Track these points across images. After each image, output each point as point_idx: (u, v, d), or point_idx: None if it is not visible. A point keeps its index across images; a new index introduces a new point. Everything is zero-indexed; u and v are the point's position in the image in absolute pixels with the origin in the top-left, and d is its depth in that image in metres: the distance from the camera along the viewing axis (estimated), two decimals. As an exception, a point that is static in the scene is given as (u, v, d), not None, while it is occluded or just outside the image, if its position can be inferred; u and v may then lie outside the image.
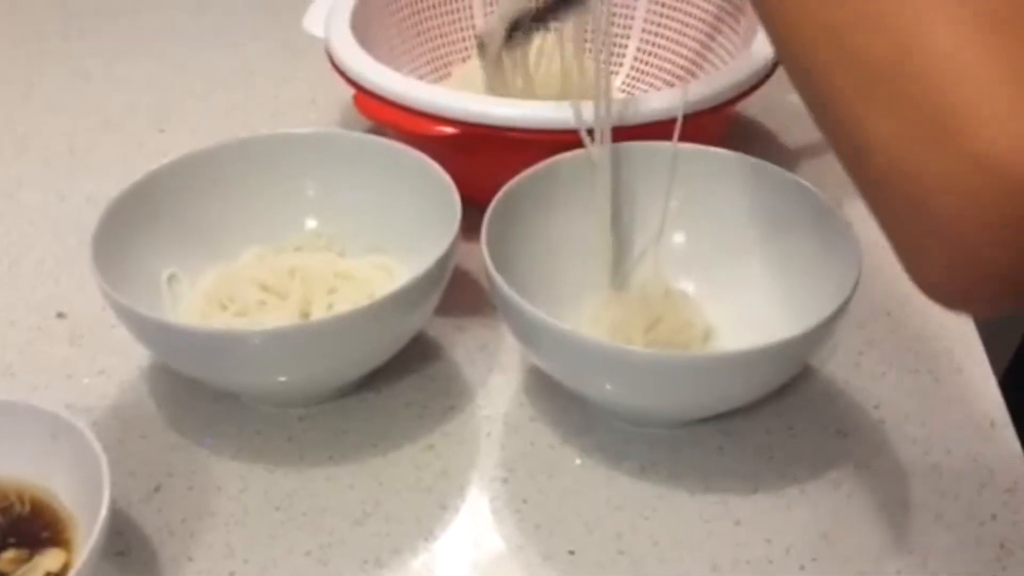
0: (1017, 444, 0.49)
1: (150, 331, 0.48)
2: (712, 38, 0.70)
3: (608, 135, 0.53)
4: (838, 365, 0.54)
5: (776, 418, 0.51)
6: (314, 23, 0.67)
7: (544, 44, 0.66)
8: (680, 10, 0.72)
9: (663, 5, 0.73)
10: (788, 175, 0.54)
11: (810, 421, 0.51)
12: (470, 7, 0.74)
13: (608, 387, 0.47)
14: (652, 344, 0.52)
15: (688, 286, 0.56)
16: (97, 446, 0.42)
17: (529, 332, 0.47)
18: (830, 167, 0.68)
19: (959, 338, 0.55)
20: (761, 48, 0.62)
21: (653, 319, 0.53)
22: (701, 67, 0.70)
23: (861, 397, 0.52)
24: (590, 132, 0.53)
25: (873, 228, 0.63)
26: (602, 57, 0.52)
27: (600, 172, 0.54)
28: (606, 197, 0.55)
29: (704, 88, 0.59)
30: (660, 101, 0.58)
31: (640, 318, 0.53)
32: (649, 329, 0.53)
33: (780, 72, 0.63)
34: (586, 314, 0.54)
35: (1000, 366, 0.67)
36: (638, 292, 0.56)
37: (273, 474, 0.49)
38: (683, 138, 0.55)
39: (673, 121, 0.55)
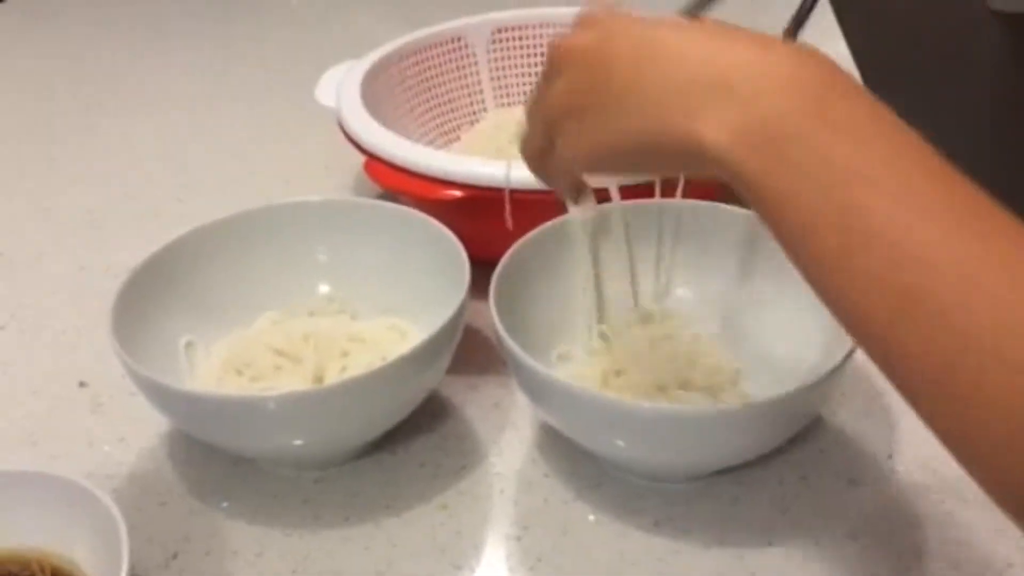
0: (1032, 490, 0.49)
1: (167, 399, 0.49)
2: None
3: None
4: (849, 414, 0.54)
5: (789, 468, 0.51)
6: (325, 93, 0.69)
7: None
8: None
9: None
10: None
11: (823, 471, 0.51)
12: (477, 74, 0.77)
13: (619, 443, 0.48)
14: (682, 390, 0.52)
15: (704, 335, 0.56)
16: (116, 514, 0.42)
17: (538, 390, 0.48)
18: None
19: (970, 384, 0.55)
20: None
21: (678, 366, 0.54)
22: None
23: (873, 446, 0.52)
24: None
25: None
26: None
27: (611, 230, 0.55)
28: (622, 252, 0.56)
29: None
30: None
31: (662, 368, 0.54)
32: (675, 376, 0.53)
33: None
34: (596, 370, 0.55)
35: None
36: (655, 341, 0.56)
37: (289, 537, 0.49)
38: (684, 193, 0.56)
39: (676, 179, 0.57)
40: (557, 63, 0.39)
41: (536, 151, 0.43)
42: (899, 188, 0.32)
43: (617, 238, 0.57)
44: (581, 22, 0.40)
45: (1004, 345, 0.30)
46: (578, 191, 0.49)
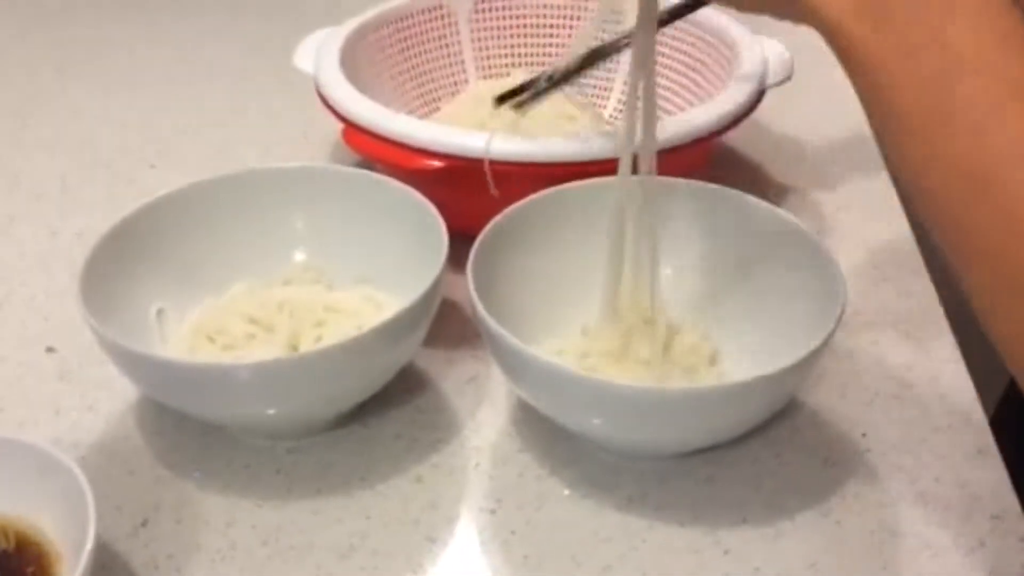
0: (1004, 471, 0.49)
1: (137, 365, 0.48)
2: (697, 71, 0.71)
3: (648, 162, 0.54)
4: (825, 395, 0.54)
5: (764, 448, 0.51)
6: (304, 59, 0.68)
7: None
8: (665, 44, 0.73)
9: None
10: (772, 208, 0.54)
11: (798, 451, 0.51)
12: (459, 44, 0.75)
13: (595, 421, 0.47)
14: (659, 369, 0.52)
15: (681, 314, 0.56)
16: (83, 481, 0.42)
17: (514, 365, 0.48)
18: (814, 199, 0.69)
19: (945, 367, 0.55)
20: (743, 82, 0.63)
21: (657, 344, 0.54)
22: (689, 100, 0.71)
23: (848, 426, 0.52)
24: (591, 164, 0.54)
25: (857, 260, 0.64)
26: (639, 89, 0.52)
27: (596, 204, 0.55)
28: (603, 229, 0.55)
29: (685, 122, 0.60)
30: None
31: (641, 345, 0.53)
32: (654, 353, 0.53)
33: (762, 104, 0.64)
34: (574, 347, 0.54)
35: (993, 396, 0.67)
36: (633, 320, 0.56)
37: (261, 508, 0.48)
38: (667, 170, 0.56)
39: (663, 152, 0.56)
40: None
41: None
42: (995, 74, 0.33)
43: (601, 215, 0.56)
44: None
45: None
46: None
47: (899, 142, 0.36)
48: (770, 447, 0.51)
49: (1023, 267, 0.32)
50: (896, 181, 0.37)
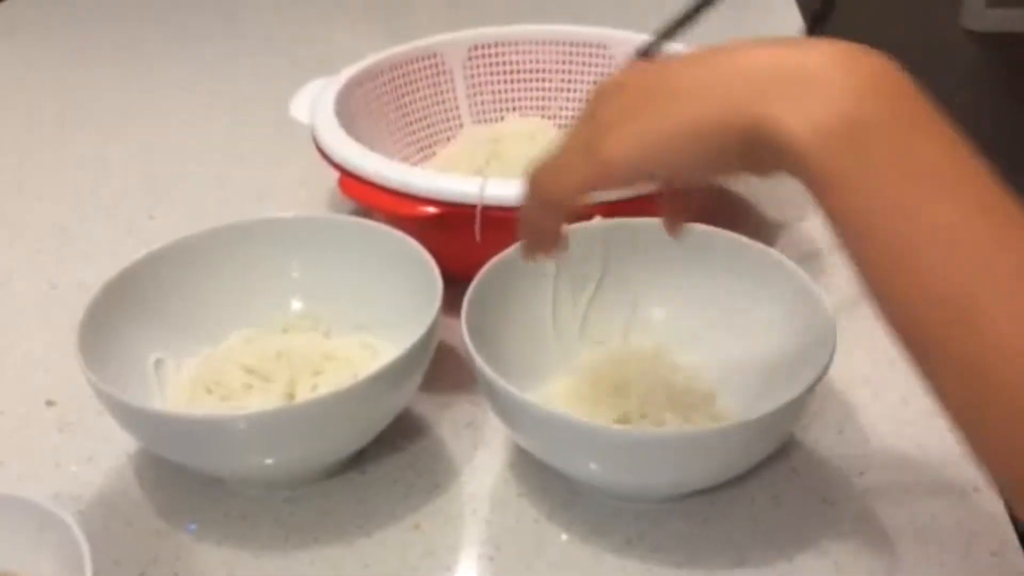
0: (1001, 507, 0.49)
1: (134, 418, 0.48)
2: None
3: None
4: (821, 433, 0.54)
5: (762, 488, 0.51)
6: (300, 110, 0.69)
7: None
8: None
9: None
10: (764, 248, 0.55)
11: (795, 490, 0.51)
12: (453, 91, 0.77)
13: (592, 466, 0.47)
14: (655, 411, 0.52)
15: (677, 355, 0.56)
16: (81, 537, 0.42)
17: (509, 411, 0.48)
18: (807, 237, 0.69)
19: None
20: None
21: (651, 387, 0.54)
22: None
23: (845, 464, 0.52)
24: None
25: (850, 297, 0.64)
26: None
27: (588, 247, 0.55)
28: (595, 270, 0.56)
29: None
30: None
31: (636, 389, 0.54)
32: (648, 397, 0.53)
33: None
34: (569, 390, 0.55)
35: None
36: (628, 361, 0.56)
37: (259, 559, 0.48)
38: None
39: (651, 195, 0.57)
40: (608, 89, 0.39)
41: (554, 167, 0.40)
42: (970, 193, 0.33)
43: (592, 257, 0.57)
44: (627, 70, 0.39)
45: None
46: (557, 230, 0.44)
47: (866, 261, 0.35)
48: (768, 487, 0.51)
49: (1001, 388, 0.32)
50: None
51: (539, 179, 0.42)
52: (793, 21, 1.03)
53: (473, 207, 0.57)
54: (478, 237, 0.57)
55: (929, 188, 0.33)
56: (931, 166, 0.33)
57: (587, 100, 0.40)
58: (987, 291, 0.32)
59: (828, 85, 0.33)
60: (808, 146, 0.33)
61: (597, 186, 0.39)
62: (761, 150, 0.34)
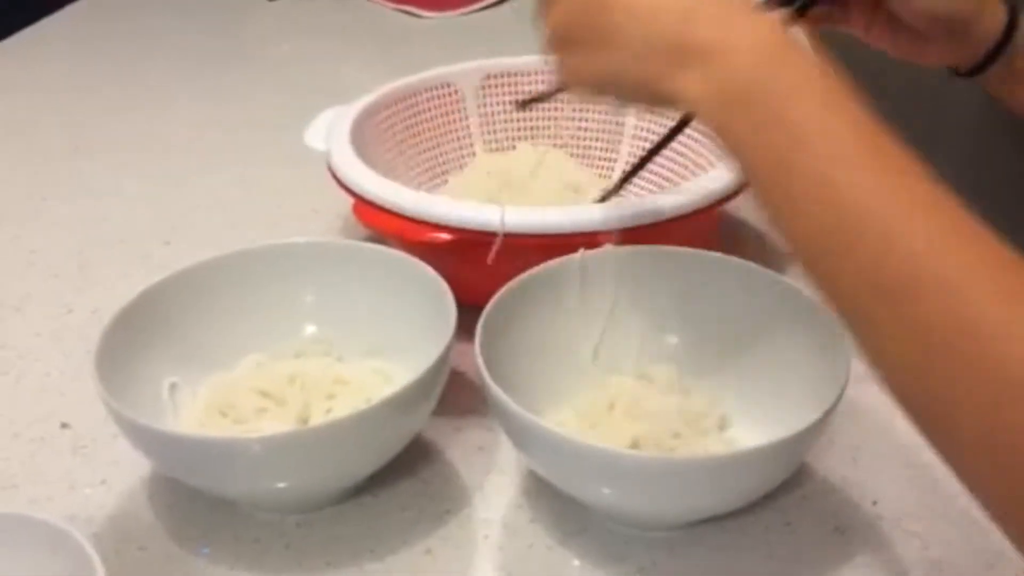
0: (1017, 537, 0.49)
1: (149, 441, 0.48)
2: (700, 142, 0.72)
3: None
4: (835, 461, 0.54)
5: (775, 516, 0.51)
6: (315, 137, 0.70)
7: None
8: (667, 115, 0.74)
9: (651, 112, 0.75)
10: (776, 275, 0.55)
11: (809, 518, 0.51)
12: (466, 119, 0.77)
13: (604, 491, 0.47)
14: (668, 437, 0.52)
15: (690, 381, 0.56)
16: (95, 559, 0.42)
17: (522, 436, 0.48)
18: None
19: (954, 431, 0.55)
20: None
21: (664, 412, 0.54)
22: (692, 171, 0.72)
23: (858, 493, 0.52)
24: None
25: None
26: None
27: (602, 273, 0.56)
28: (609, 297, 0.56)
29: (690, 192, 0.61)
30: (651, 203, 0.60)
31: (649, 414, 0.54)
32: (661, 422, 0.53)
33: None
34: (582, 415, 0.55)
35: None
36: (641, 386, 0.56)
37: (271, 583, 0.48)
38: (674, 239, 0.57)
39: (665, 222, 0.58)
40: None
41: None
42: (835, 149, 0.38)
43: (606, 284, 0.57)
44: None
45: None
46: None
47: (764, 207, 0.41)
48: (781, 515, 0.51)
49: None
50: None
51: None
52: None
53: (486, 233, 0.58)
54: (490, 261, 0.57)
55: (799, 150, 0.38)
56: (800, 127, 0.39)
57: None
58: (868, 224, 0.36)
59: (731, 59, 0.41)
60: (703, 109, 0.42)
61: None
62: (681, 105, 0.44)
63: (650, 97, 0.45)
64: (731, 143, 0.41)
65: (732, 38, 0.41)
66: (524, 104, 0.65)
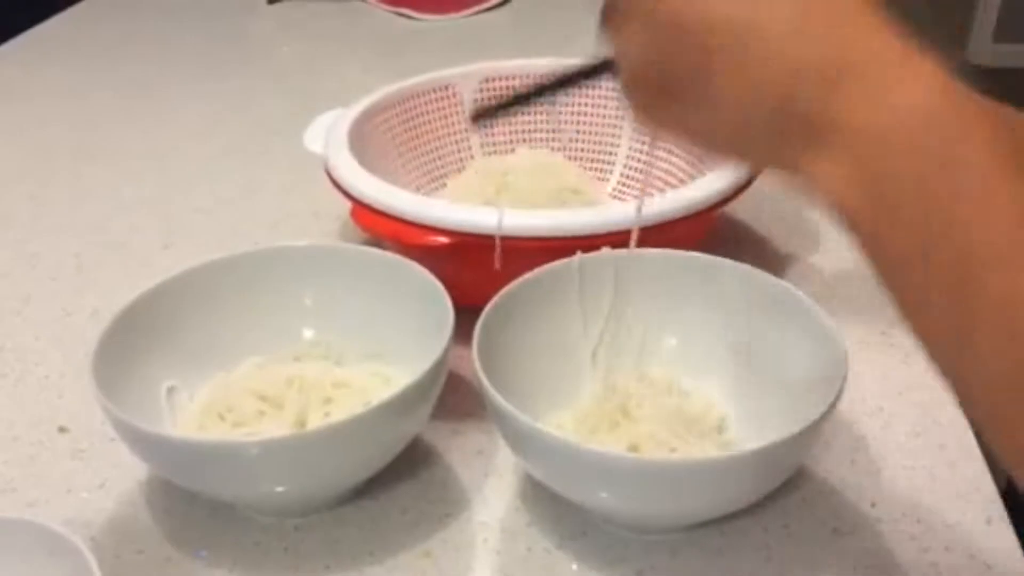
0: (1015, 540, 0.49)
1: (145, 444, 0.48)
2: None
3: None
4: (833, 463, 0.54)
5: (774, 518, 0.51)
6: (313, 140, 0.70)
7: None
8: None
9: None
10: (774, 279, 0.55)
11: (807, 520, 0.51)
12: (464, 121, 0.77)
13: (602, 495, 0.47)
14: (666, 440, 0.52)
15: (688, 384, 0.57)
16: (93, 563, 0.42)
17: (519, 439, 0.48)
18: (817, 267, 0.70)
19: (953, 434, 0.55)
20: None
21: (664, 415, 0.54)
22: (690, 174, 0.72)
23: (857, 495, 0.52)
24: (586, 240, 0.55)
25: (861, 327, 0.64)
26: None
27: (600, 276, 0.56)
28: (607, 300, 0.56)
29: (688, 195, 0.61)
30: (651, 205, 0.60)
31: (647, 417, 0.54)
32: (660, 425, 0.53)
33: (763, 177, 0.65)
34: (580, 418, 0.55)
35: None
36: (639, 389, 0.56)
37: (269, 586, 0.48)
38: (671, 242, 0.57)
39: (664, 224, 0.58)
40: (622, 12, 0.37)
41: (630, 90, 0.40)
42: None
43: (604, 287, 0.57)
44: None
45: None
46: None
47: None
48: (780, 517, 0.51)
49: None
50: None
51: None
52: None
53: (484, 237, 0.58)
54: (498, 265, 0.57)
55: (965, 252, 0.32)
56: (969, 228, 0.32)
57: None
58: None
59: (854, 137, 0.33)
60: (839, 197, 0.34)
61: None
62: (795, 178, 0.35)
63: (758, 161, 0.38)
64: (865, 231, 0.34)
65: (869, 110, 0.33)
66: (476, 118, 0.58)
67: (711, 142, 0.38)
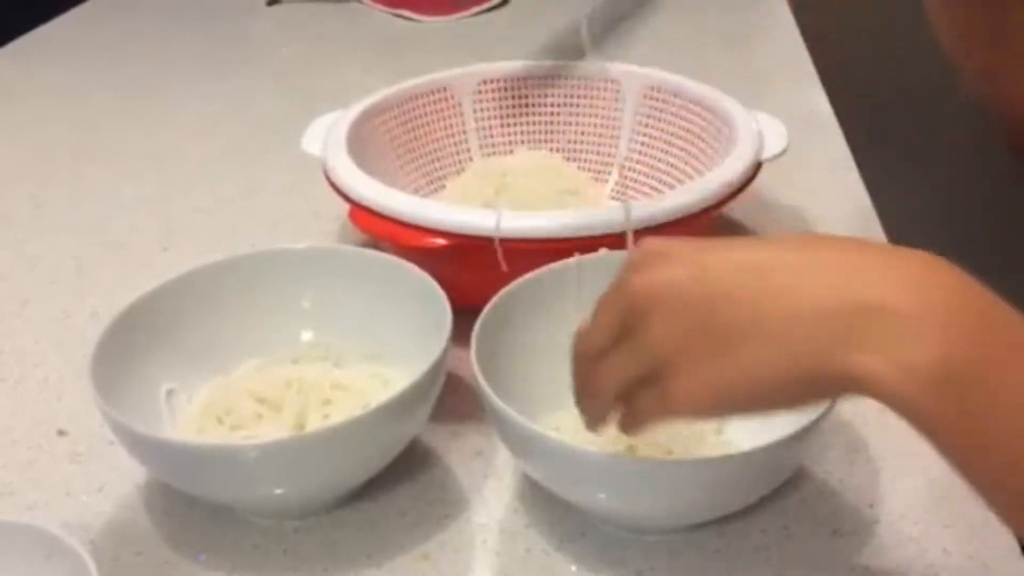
0: (1014, 541, 0.49)
1: (144, 448, 0.48)
2: (695, 145, 0.72)
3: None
4: (832, 464, 0.54)
5: (773, 519, 0.51)
6: (312, 143, 0.70)
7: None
8: (664, 119, 0.75)
9: (648, 116, 0.75)
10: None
11: (806, 521, 0.51)
12: (463, 124, 0.77)
13: (600, 496, 0.47)
14: (666, 438, 0.52)
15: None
16: (91, 566, 0.42)
17: (518, 441, 0.48)
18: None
19: (951, 434, 0.55)
20: (740, 155, 0.64)
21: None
22: (687, 174, 0.72)
23: (855, 496, 0.52)
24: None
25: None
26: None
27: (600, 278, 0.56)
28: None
29: (685, 195, 0.61)
30: (650, 205, 0.60)
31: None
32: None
33: (762, 177, 0.65)
34: (577, 420, 0.55)
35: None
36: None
37: (268, 588, 0.48)
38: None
39: (664, 224, 0.58)
40: (644, 304, 0.37)
41: (596, 351, 0.40)
42: None
43: (603, 287, 0.57)
44: (647, 259, 0.38)
45: None
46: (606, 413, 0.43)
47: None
48: (778, 518, 0.51)
49: None
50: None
51: (578, 357, 0.42)
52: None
53: (482, 238, 0.58)
54: (504, 267, 0.57)
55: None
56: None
57: (622, 303, 0.38)
58: None
59: (910, 326, 0.33)
60: (902, 391, 0.33)
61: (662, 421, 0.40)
62: (847, 391, 0.35)
63: (806, 389, 0.36)
64: (934, 423, 0.34)
65: (921, 292, 0.34)
66: None
67: (742, 386, 0.36)
